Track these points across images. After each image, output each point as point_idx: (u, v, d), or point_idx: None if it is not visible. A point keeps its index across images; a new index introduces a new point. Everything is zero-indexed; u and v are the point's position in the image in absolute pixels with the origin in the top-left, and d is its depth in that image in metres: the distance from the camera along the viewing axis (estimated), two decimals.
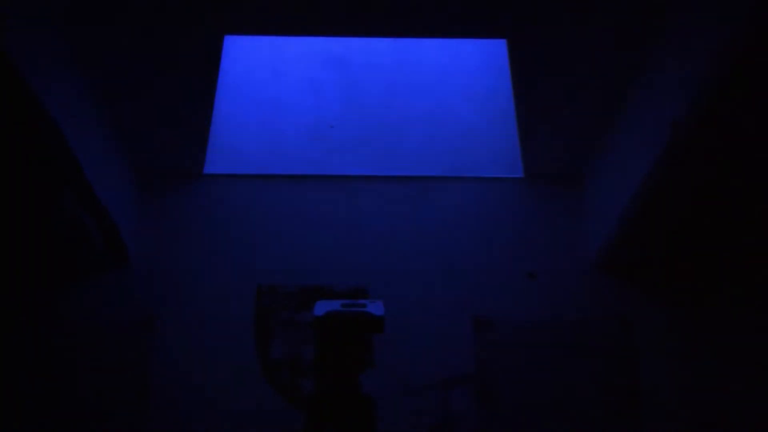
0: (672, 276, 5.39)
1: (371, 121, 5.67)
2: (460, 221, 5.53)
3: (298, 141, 5.64)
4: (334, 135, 5.66)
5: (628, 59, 4.47)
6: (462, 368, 5.22)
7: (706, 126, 3.86)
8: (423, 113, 5.68)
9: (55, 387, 5.09)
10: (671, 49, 4.05)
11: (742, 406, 5.14)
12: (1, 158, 4.15)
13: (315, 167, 5.62)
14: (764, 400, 5.15)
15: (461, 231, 5.51)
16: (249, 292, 5.35)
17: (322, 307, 3.60)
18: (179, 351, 5.20)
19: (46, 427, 5.02)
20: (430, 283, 5.40)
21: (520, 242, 5.50)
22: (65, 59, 4.16)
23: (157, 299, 5.31)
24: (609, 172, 5.05)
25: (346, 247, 5.46)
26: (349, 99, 5.68)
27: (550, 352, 5.26)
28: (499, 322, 5.31)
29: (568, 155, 5.40)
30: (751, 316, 5.31)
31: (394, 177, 5.62)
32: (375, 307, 3.60)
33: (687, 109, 3.81)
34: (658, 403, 5.16)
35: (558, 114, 4.97)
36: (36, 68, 3.65)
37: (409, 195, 5.58)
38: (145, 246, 5.42)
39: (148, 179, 5.52)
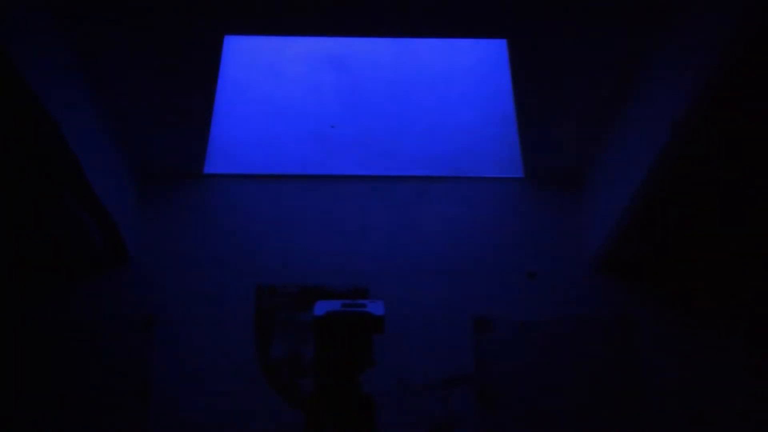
0: (672, 276, 5.39)
1: (371, 121, 5.67)
2: (459, 221, 5.53)
3: (298, 141, 5.64)
4: (334, 135, 5.66)
5: (627, 59, 4.47)
6: (462, 368, 5.23)
7: (706, 126, 3.86)
8: (423, 113, 5.67)
9: (56, 386, 5.10)
10: (671, 49, 4.05)
11: (741, 406, 5.15)
12: (1, 158, 4.15)
13: (315, 167, 5.62)
14: (764, 399, 5.15)
15: (461, 231, 5.51)
16: (249, 292, 5.35)
17: (322, 307, 3.61)
18: (179, 350, 5.21)
19: (46, 426, 5.02)
20: (430, 283, 5.40)
21: (519, 242, 5.50)
22: (65, 59, 4.16)
23: (157, 299, 5.31)
24: (609, 172, 5.05)
25: (346, 247, 5.46)
26: (349, 99, 5.67)
27: (549, 352, 5.26)
28: (499, 322, 5.32)
29: (568, 155, 5.40)
30: (750, 316, 5.31)
31: (394, 177, 5.62)
32: (375, 307, 3.61)
33: (687, 109, 3.80)
34: (658, 403, 5.16)
35: (558, 114, 4.97)
36: (36, 68, 3.65)
37: (409, 195, 5.58)
38: (145, 246, 5.42)
39: (148, 179, 5.52)
